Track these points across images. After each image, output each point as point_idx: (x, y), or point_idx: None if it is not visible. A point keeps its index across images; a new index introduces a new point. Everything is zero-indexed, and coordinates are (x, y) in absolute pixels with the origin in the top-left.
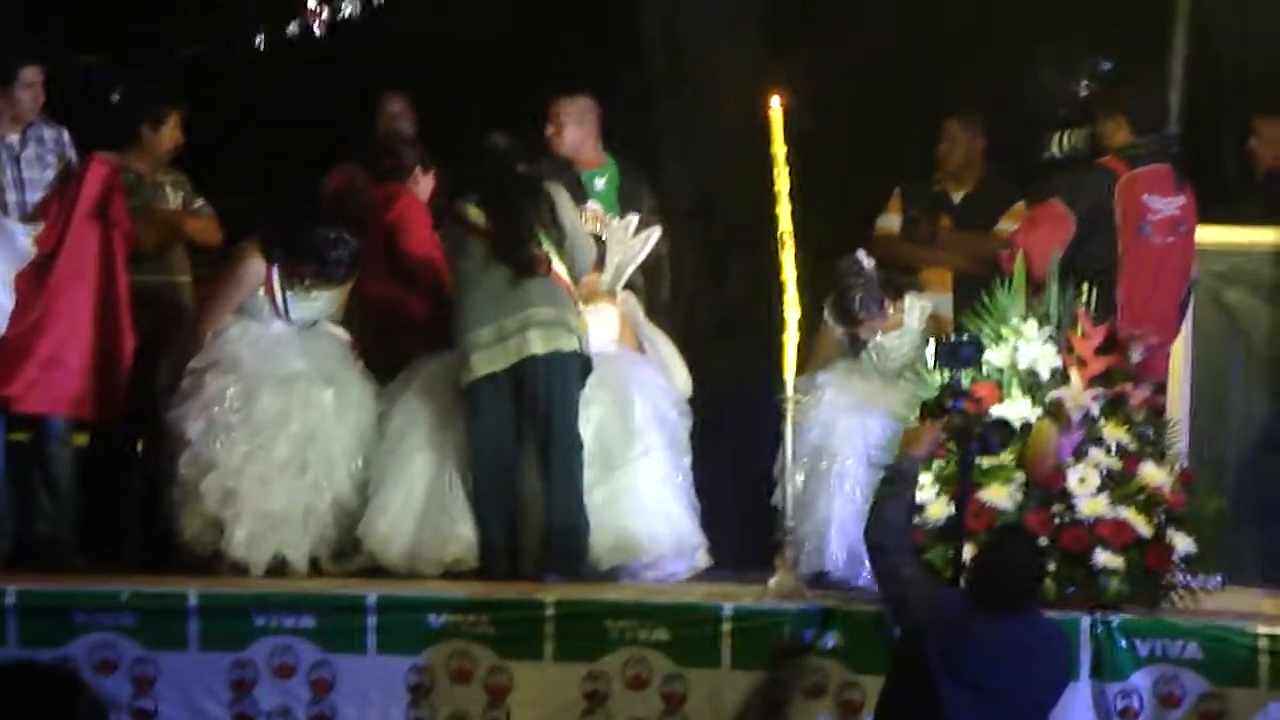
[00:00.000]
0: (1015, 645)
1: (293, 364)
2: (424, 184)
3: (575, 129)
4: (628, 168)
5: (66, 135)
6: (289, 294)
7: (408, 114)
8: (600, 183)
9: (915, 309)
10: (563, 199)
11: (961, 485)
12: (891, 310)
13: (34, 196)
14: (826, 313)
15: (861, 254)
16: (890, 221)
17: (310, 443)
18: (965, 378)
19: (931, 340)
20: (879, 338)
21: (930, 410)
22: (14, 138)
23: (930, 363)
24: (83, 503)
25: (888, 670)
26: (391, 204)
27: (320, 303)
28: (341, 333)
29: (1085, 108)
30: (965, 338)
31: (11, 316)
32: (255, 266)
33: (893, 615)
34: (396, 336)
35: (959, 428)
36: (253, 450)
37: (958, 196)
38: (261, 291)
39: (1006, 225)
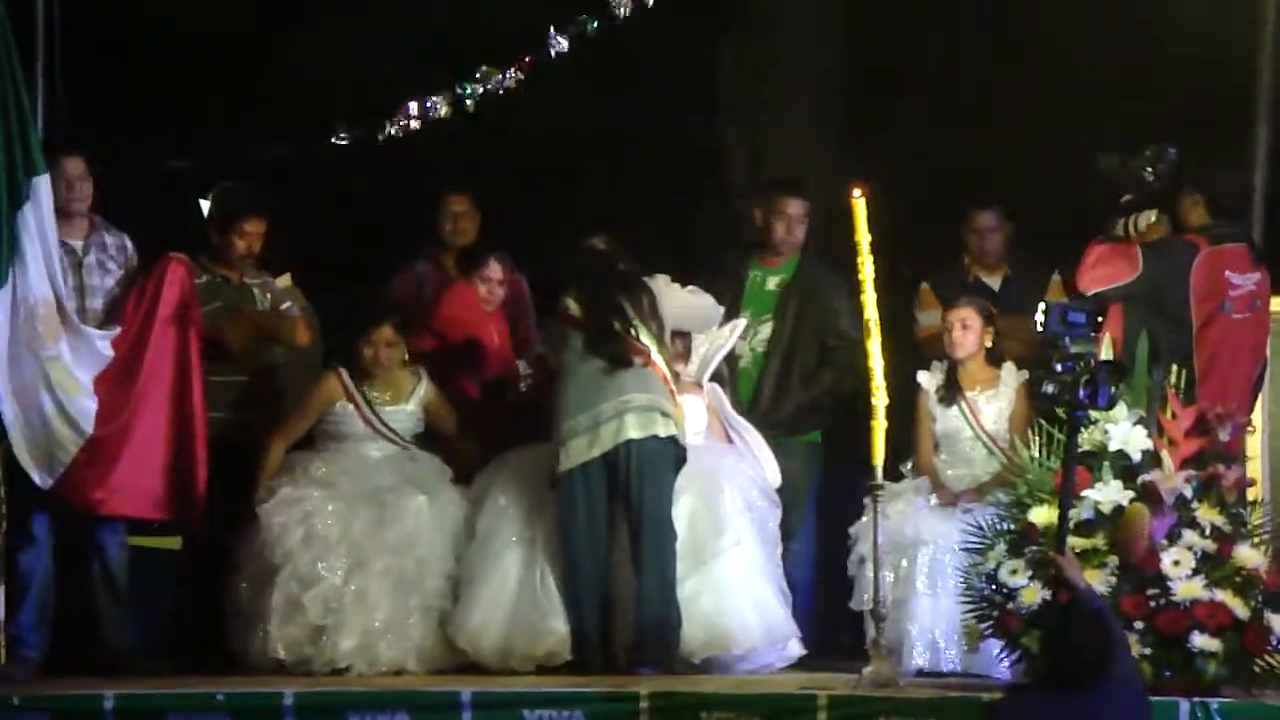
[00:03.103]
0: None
1: (385, 480)
2: (483, 285)
3: (801, 229)
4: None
5: (129, 241)
6: (374, 405)
7: (472, 213)
8: (773, 281)
9: (1011, 372)
10: (665, 292)
11: (1070, 445)
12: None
13: (95, 303)
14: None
15: None
16: (932, 318)
17: (407, 551)
18: (1074, 345)
19: (1041, 304)
20: (975, 393)
21: (1037, 381)
22: (77, 244)
23: (1039, 325)
24: (176, 606)
25: None
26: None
27: (408, 409)
28: (434, 459)
29: (1153, 193)
30: (1079, 303)
31: (97, 419)
32: (328, 383)
33: None
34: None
35: (1066, 384)
36: (352, 566)
37: (995, 283)
38: (340, 405)
39: None
